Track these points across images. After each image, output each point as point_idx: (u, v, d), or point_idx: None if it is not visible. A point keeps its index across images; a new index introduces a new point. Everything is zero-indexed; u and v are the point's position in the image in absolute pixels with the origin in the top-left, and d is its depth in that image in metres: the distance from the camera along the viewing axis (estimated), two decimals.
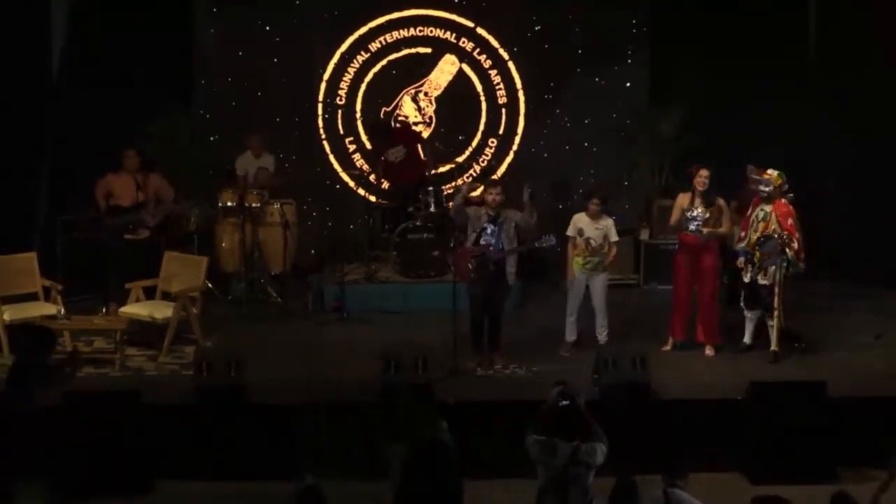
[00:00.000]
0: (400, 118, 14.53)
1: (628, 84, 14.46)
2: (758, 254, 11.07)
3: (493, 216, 10.83)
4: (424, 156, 14.08)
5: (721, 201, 11.27)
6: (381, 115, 14.48)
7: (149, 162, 12.68)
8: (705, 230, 11.18)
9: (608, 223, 11.38)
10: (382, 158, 13.84)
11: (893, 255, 13.09)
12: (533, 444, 7.58)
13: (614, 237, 11.40)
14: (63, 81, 13.59)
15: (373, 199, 14.26)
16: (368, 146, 14.52)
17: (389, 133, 14.17)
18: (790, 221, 11.02)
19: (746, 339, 11.42)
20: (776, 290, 10.99)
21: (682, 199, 11.34)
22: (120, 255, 12.20)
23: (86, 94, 13.28)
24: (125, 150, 12.32)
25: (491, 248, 10.78)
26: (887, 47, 13.27)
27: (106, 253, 12.31)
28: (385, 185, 13.98)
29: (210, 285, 12.38)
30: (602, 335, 11.42)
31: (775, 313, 11.01)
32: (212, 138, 14.25)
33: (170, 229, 12.90)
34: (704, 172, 11.18)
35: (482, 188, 11.57)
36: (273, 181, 13.42)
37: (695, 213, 11.20)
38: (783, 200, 11.11)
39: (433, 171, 14.03)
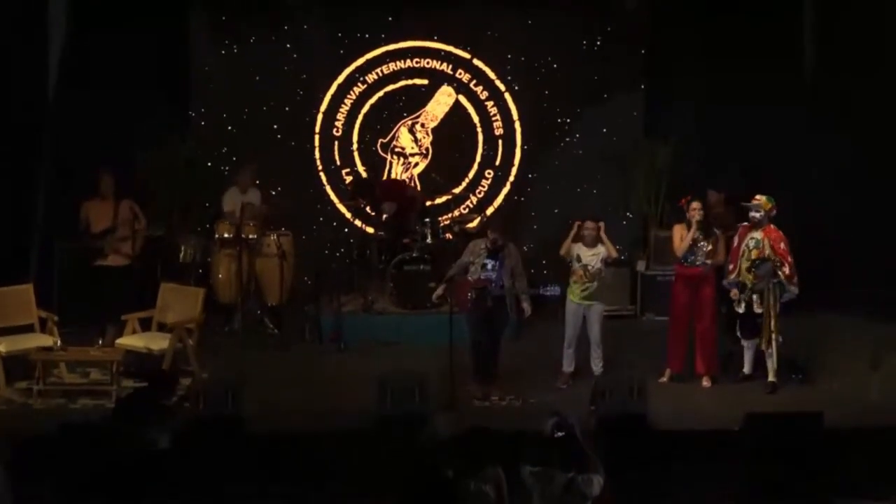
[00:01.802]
0: (397, 148, 14.57)
1: (625, 115, 14.51)
2: (749, 276, 11.08)
3: (493, 250, 10.86)
4: (415, 199, 14.08)
5: (716, 230, 11.32)
6: (378, 147, 14.52)
7: (128, 187, 12.61)
8: (709, 261, 11.22)
9: (603, 247, 11.38)
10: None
11: (891, 284, 13.11)
12: (528, 475, 7.56)
13: (613, 252, 11.39)
14: (59, 109, 13.57)
15: (370, 230, 14.28)
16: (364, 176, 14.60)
17: (373, 191, 14.11)
18: (783, 246, 11.07)
19: (746, 368, 11.46)
20: (771, 312, 11.01)
21: (681, 230, 11.37)
22: (99, 282, 12.13)
23: (82, 122, 13.30)
24: (101, 174, 12.22)
25: (492, 283, 10.80)
26: (887, 65, 13.37)
27: (89, 279, 12.25)
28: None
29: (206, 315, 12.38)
30: (597, 366, 11.42)
31: (772, 335, 11.02)
32: (224, 169, 14.29)
33: (167, 260, 12.91)
34: (696, 204, 11.22)
35: (478, 220, 11.59)
36: (262, 213, 13.38)
37: (696, 246, 11.24)
38: (772, 226, 11.16)
39: (430, 202, 14.10)
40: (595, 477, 7.47)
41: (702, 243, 11.21)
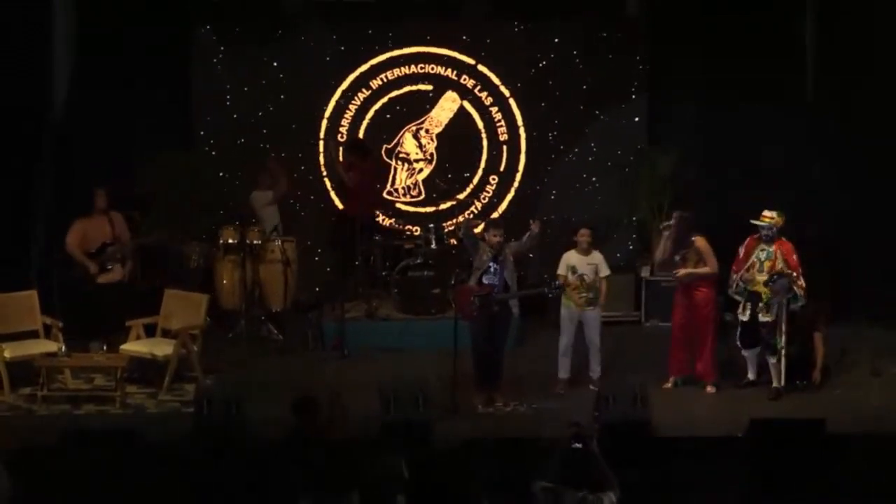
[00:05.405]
0: (401, 154, 14.58)
1: (628, 122, 14.51)
2: (766, 290, 11.04)
3: (494, 254, 10.88)
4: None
5: (699, 242, 11.26)
6: (382, 152, 14.52)
7: (129, 196, 12.67)
8: (680, 272, 11.23)
9: (599, 257, 11.40)
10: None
11: (891, 284, 13.11)
12: (540, 491, 7.50)
13: (605, 271, 11.41)
14: (62, 120, 13.54)
15: (375, 236, 14.28)
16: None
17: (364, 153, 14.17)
18: (795, 257, 11.07)
19: (751, 375, 11.46)
20: (782, 327, 11.00)
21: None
22: (97, 299, 12.05)
23: (84, 132, 13.32)
24: (96, 189, 12.15)
25: (495, 289, 10.81)
26: (888, 76, 13.37)
27: (85, 296, 12.16)
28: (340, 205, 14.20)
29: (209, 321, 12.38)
30: (596, 371, 11.41)
31: (782, 351, 11.01)
32: (222, 175, 14.32)
33: (169, 266, 12.94)
34: (668, 219, 11.32)
35: (482, 226, 11.58)
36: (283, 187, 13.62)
37: (670, 257, 11.34)
38: (783, 238, 11.15)
39: (436, 208, 14.12)
40: (607, 496, 7.39)
41: (679, 252, 11.26)
